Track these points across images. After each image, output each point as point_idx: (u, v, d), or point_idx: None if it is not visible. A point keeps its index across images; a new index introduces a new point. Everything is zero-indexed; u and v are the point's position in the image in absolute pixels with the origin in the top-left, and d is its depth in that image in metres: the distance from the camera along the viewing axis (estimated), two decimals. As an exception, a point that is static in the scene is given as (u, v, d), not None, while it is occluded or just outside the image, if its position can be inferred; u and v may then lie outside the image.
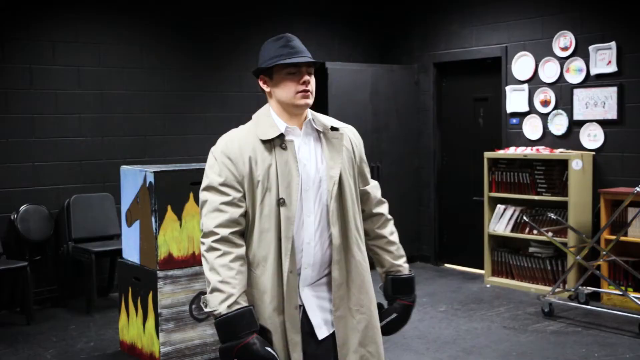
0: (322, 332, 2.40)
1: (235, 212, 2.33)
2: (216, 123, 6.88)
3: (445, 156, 7.82)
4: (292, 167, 2.33)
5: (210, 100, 7.11)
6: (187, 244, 4.69)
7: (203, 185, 2.38)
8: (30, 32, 6.12)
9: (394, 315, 2.58)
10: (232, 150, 2.34)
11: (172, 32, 6.87)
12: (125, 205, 4.98)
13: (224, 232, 2.30)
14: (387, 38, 8.22)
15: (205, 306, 2.32)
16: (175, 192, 4.63)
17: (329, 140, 2.42)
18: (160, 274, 4.59)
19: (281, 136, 2.36)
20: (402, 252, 2.68)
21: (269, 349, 2.26)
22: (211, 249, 2.31)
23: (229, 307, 2.25)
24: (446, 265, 7.82)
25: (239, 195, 2.33)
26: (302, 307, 2.39)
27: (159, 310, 4.57)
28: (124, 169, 5.00)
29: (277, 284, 2.33)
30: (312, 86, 2.38)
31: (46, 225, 6.16)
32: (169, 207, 4.62)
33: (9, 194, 6.05)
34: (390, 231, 2.63)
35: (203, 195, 2.37)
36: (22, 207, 6.05)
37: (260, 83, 2.43)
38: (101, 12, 6.47)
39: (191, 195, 4.67)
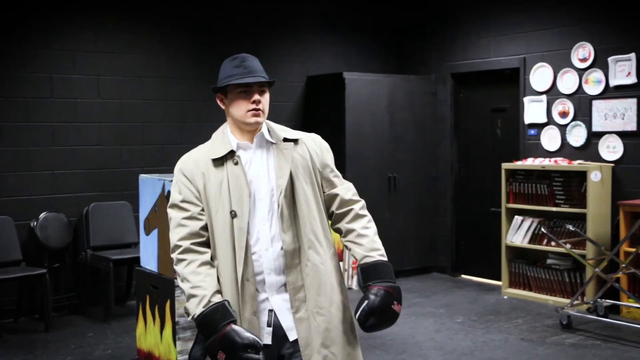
0: (292, 334, 2.49)
1: (196, 225, 2.49)
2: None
3: (463, 167, 7.80)
4: (242, 182, 2.47)
5: (228, 109, 7.14)
6: (205, 253, 4.70)
7: (168, 204, 2.57)
8: (51, 42, 6.20)
9: (364, 303, 2.39)
10: (188, 169, 2.52)
11: (190, 41, 6.93)
12: (143, 213, 5.01)
13: (186, 243, 2.47)
14: (404, 48, 8.23)
15: (188, 315, 2.43)
16: (194, 200, 4.65)
17: (280, 152, 2.53)
18: (178, 282, 4.60)
19: (232, 152, 2.51)
20: (377, 245, 2.55)
21: (248, 334, 2.32)
22: (178, 261, 2.48)
23: (203, 307, 2.37)
24: (463, 276, 7.78)
25: (198, 209, 2.50)
26: (274, 312, 2.49)
27: (177, 319, 4.58)
28: (143, 177, 5.03)
29: (235, 291, 2.46)
30: (263, 105, 2.50)
31: (65, 232, 6.21)
32: (187, 216, 4.64)
33: (29, 201, 6.12)
34: (362, 225, 2.58)
35: (168, 213, 2.55)
36: (42, 214, 6.10)
37: (218, 101, 2.59)
38: (120, 23, 6.54)
39: (209, 204, 4.69)
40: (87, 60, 6.37)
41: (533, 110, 6.90)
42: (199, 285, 2.40)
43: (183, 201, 2.50)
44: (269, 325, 2.47)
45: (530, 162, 6.66)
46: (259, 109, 2.48)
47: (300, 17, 7.61)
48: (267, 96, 2.54)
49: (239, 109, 2.49)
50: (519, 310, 6.29)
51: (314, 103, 7.63)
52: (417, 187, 7.76)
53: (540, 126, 6.87)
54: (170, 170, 6.69)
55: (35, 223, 6.08)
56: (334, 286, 2.54)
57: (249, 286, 2.45)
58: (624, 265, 5.68)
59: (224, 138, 2.55)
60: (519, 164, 6.73)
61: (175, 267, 2.49)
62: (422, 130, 7.77)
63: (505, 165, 6.80)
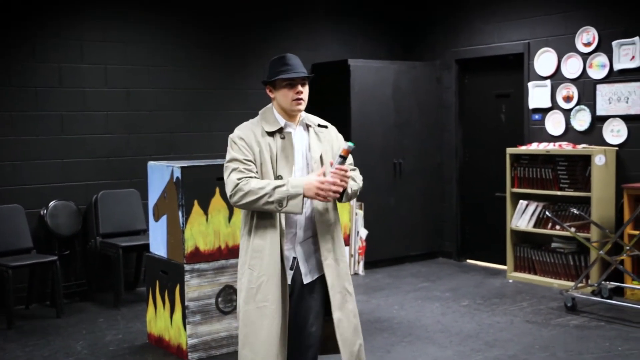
0: (307, 279, 3.15)
1: (251, 176, 3.06)
2: (240, 120, 6.81)
3: (467, 152, 7.85)
4: (288, 152, 3.12)
5: (234, 97, 7.20)
6: (214, 238, 4.78)
7: (227, 159, 3.11)
8: (60, 32, 6.25)
9: None
10: (246, 135, 3.13)
11: (197, 30, 6.97)
12: (152, 200, 5.08)
13: (247, 176, 3.04)
14: (409, 35, 8.25)
15: (280, 204, 2.97)
16: (202, 187, 4.72)
17: (316, 134, 3.23)
18: (187, 267, 4.68)
19: (281, 129, 3.15)
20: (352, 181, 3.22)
21: None
22: (246, 184, 2.99)
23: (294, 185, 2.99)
24: (468, 260, 7.84)
25: (254, 168, 3.08)
26: (296, 260, 3.14)
27: (186, 303, 4.66)
28: (152, 164, 5.09)
29: (276, 237, 3.06)
30: (304, 95, 3.16)
31: (75, 220, 6.29)
32: (195, 202, 4.71)
33: (39, 189, 6.19)
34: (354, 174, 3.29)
35: (227, 165, 3.09)
36: (52, 202, 6.18)
37: (267, 91, 3.23)
38: (128, 12, 6.59)
39: (217, 190, 4.76)
40: (95, 50, 6.43)
41: (537, 95, 6.93)
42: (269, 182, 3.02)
43: (243, 159, 3.06)
44: (291, 269, 3.12)
45: (535, 147, 6.69)
46: (301, 99, 3.13)
47: (306, 5, 7.64)
48: (306, 88, 3.18)
49: (285, 98, 3.13)
50: (524, 293, 6.35)
51: (319, 90, 7.61)
52: (423, 173, 7.81)
53: (544, 111, 6.90)
54: (177, 158, 6.80)
55: (45, 211, 6.16)
56: (342, 240, 3.27)
57: (286, 235, 3.10)
58: (627, 247, 5.73)
59: (272, 116, 3.18)
60: (523, 149, 6.77)
61: (242, 193, 2.98)
62: (427, 116, 7.81)
63: (510, 150, 6.84)
